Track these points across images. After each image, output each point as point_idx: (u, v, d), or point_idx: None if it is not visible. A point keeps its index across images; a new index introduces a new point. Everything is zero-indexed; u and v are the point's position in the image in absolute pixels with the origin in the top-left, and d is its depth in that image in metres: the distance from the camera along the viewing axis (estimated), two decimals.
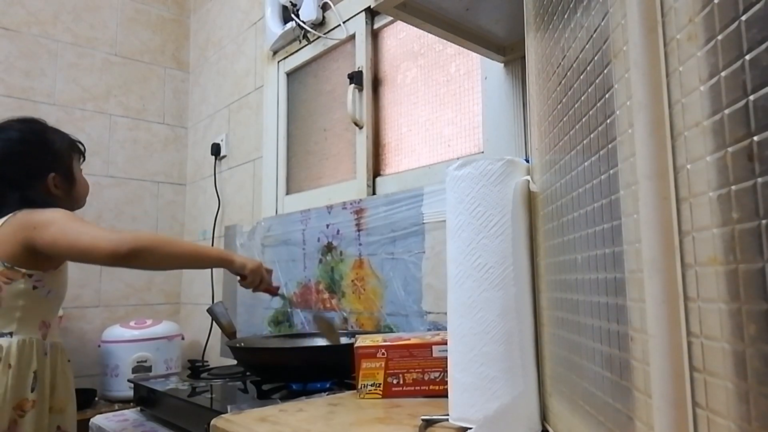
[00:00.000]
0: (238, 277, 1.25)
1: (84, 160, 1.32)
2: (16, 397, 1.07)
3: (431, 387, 0.84)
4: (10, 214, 1.13)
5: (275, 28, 1.84)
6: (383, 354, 0.86)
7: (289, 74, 1.93)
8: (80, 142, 1.31)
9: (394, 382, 0.85)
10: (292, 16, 1.75)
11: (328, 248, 1.57)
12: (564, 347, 0.52)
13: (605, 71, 0.39)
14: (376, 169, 1.56)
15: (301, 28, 1.74)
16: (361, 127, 1.57)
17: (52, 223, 1.08)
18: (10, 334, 1.10)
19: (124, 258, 1.03)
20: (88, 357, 2.06)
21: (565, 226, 0.50)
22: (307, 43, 1.79)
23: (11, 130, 1.19)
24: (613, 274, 0.38)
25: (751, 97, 0.24)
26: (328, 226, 1.58)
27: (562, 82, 0.51)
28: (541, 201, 0.60)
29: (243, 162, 2.10)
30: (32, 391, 1.09)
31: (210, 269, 2.04)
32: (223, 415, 0.77)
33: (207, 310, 1.41)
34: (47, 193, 1.19)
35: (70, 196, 1.25)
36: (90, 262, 1.10)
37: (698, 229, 0.28)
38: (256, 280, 1.25)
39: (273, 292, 1.33)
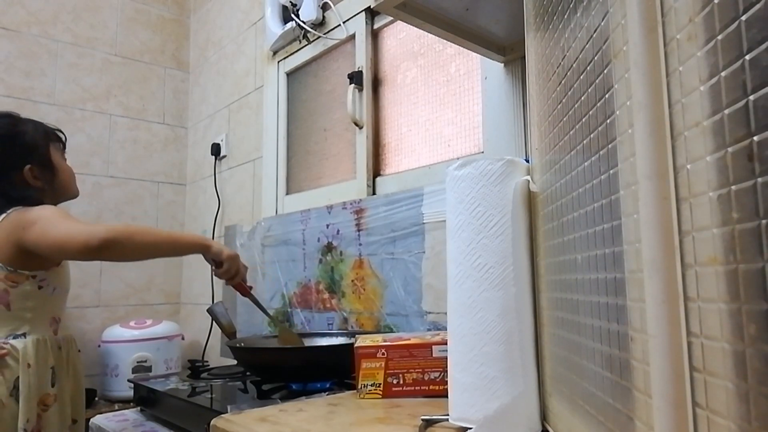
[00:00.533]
0: (213, 267, 1.23)
1: (65, 147, 1.30)
2: (39, 393, 1.11)
3: (431, 387, 0.84)
4: (4, 215, 1.13)
5: (275, 28, 1.84)
6: (383, 354, 0.86)
7: (289, 74, 1.93)
8: (59, 130, 1.29)
9: (394, 382, 0.85)
10: (292, 16, 1.75)
11: (328, 248, 1.57)
12: (564, 347, 0.52)
13: (605, 71, 0.39)
14: (376, 169, 1.56)
15: (301, 28, 1.74)
16: (361, 127, 1.57)
17: (37, 222, 1.08)
18: (24, 334, 1.13)
19: (97, 250, 1.02)
20: (88, 357, 2.06)
21: (565, 226, 0.50)
22: (307, 43, 1.79)
23: None
24: (613, 274, 0.38)
25: (751, 97, 0.24)
26: (328, 226, 1.58)
27: (562, 82, 0.51)
28: (541, 201, 0.60)
29: (243, 162, 2.10)
30: (53, 386, 1.14)
31: (210, 272, 2.04)
32: (223, 415, 0.77)
33: (207, 310, 1.41)
34: (26, 186, 1.18)
35: (53, 185, 1.23)
36: (67, 257, 1.10)
37: (698, 229, 0.28)
38: (232, 269, 1.22)
39: (245, 290, 1.29)
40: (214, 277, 2.03)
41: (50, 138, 1.25)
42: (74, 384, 1.22)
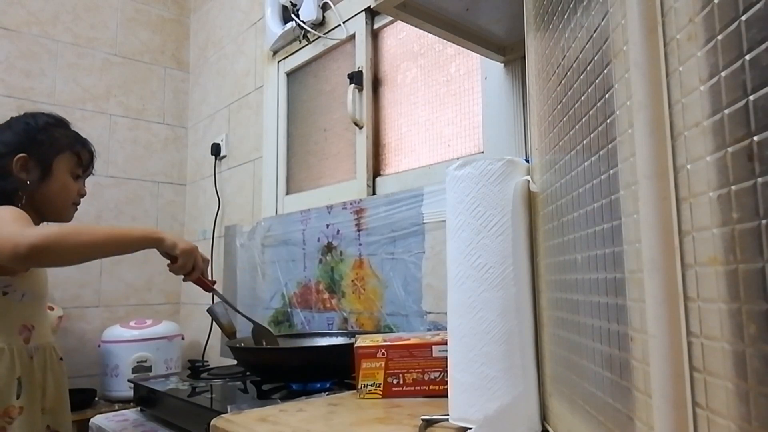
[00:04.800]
0: (168, 262, 1.12)
1: (85, 171, 1.23)
2: (2, 405, 1.04)
3: (431, 387, 0.84)
4: None
5: (275, 28, 1.84)
6: (383, 354, 0.86)
7: (289, 74, 1.93)
8: (89, 150, 1.22)
9: (394, 382, 0.85)
10: (292, 16, 1.75)
11: (328, 248, 1.57)
12: (564, 347, 0.52)
13: (605, 71, 0.39)
14: (376, 169, 1.56)
15: (301, 28, 1.74)
16: (361, 127, 1.57)
17: None
18: None
19: (26, 258, 0.92)
20: (88, 357, 2.06)
21: (565, 226, 0.50)
22: (307, 43, 1.79)
23: (22, 119, 1.15)
24: (613, 274, 0.38)
25: (751, 97, 0.24)
26: (328, 226, 1.58)
27: (562, 82, 0.51)
28: (541, 201, 0.60)
29: (243, 162, 2.10)
30: (18, 398, 1.06)
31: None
32: (223, 415, 0.77)
33: (207, 311, 1.41)
34: (8, 173, 1.10)
35: (40, 187, 1.13)
36: (3, 263, 1.00)
37: (698, 229, 0.28)
38: (188, 264, 1.11)
39: (207, 285, 1.19)
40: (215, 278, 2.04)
41: (70, 148, 1.18)
42: (55, 394, 1.15)
